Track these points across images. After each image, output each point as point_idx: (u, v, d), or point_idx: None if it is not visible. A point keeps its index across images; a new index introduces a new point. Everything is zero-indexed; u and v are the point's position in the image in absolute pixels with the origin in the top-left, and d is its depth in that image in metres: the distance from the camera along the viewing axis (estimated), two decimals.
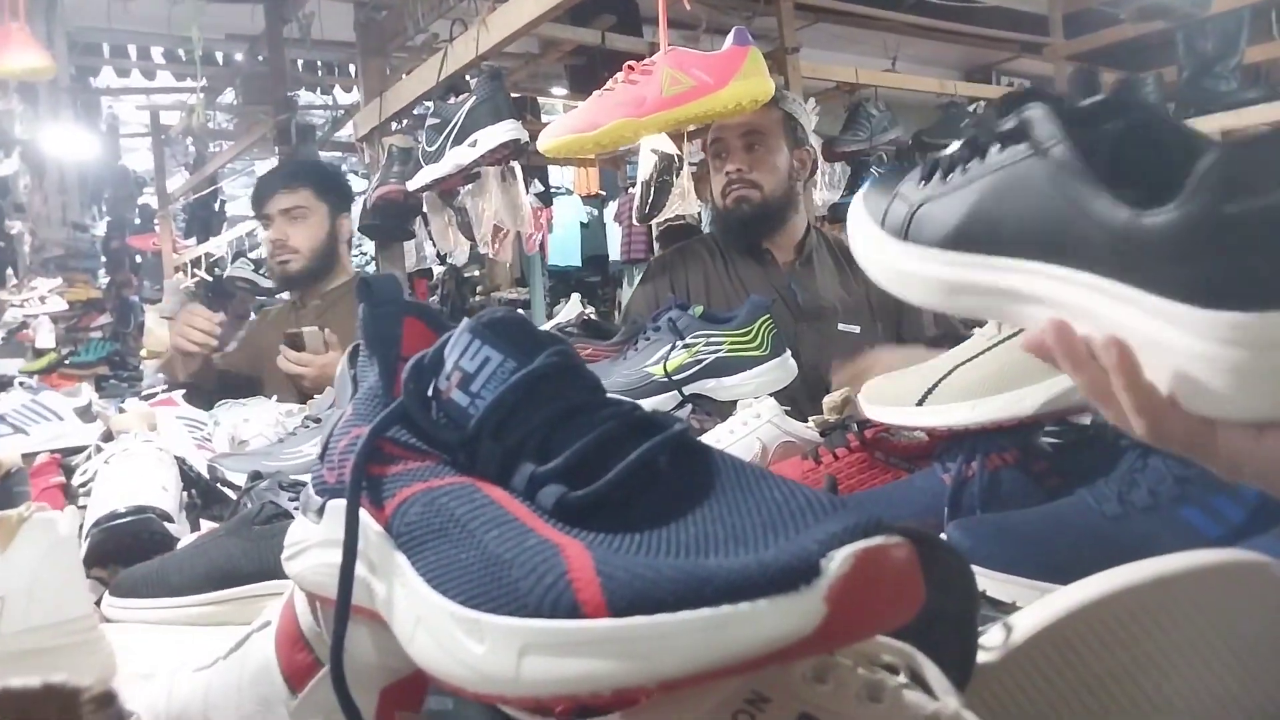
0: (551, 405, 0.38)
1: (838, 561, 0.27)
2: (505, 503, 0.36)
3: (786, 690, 0.35)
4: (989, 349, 0.89)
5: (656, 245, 4.93)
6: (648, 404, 1.30)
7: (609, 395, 0.40)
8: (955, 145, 0.56)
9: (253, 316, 5.24)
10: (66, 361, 4.82)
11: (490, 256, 2.55)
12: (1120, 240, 0.44)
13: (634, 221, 3.05)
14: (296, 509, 0.48)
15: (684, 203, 2.69)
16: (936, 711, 0.35)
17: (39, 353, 5.09)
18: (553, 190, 5.88)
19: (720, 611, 0.27)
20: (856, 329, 1.86)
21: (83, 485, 1.37)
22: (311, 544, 0.44)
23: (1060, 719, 0.53)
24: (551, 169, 5.62)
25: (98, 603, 0.92)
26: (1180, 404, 0.44)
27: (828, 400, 1.21)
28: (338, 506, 0.41)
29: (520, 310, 3.33)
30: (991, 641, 0.55)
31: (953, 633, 0.46)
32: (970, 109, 4.22)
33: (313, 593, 0.44)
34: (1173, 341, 0.42)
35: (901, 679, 0.37)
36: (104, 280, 6.01)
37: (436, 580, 0.34)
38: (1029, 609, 0.57)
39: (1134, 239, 0.43)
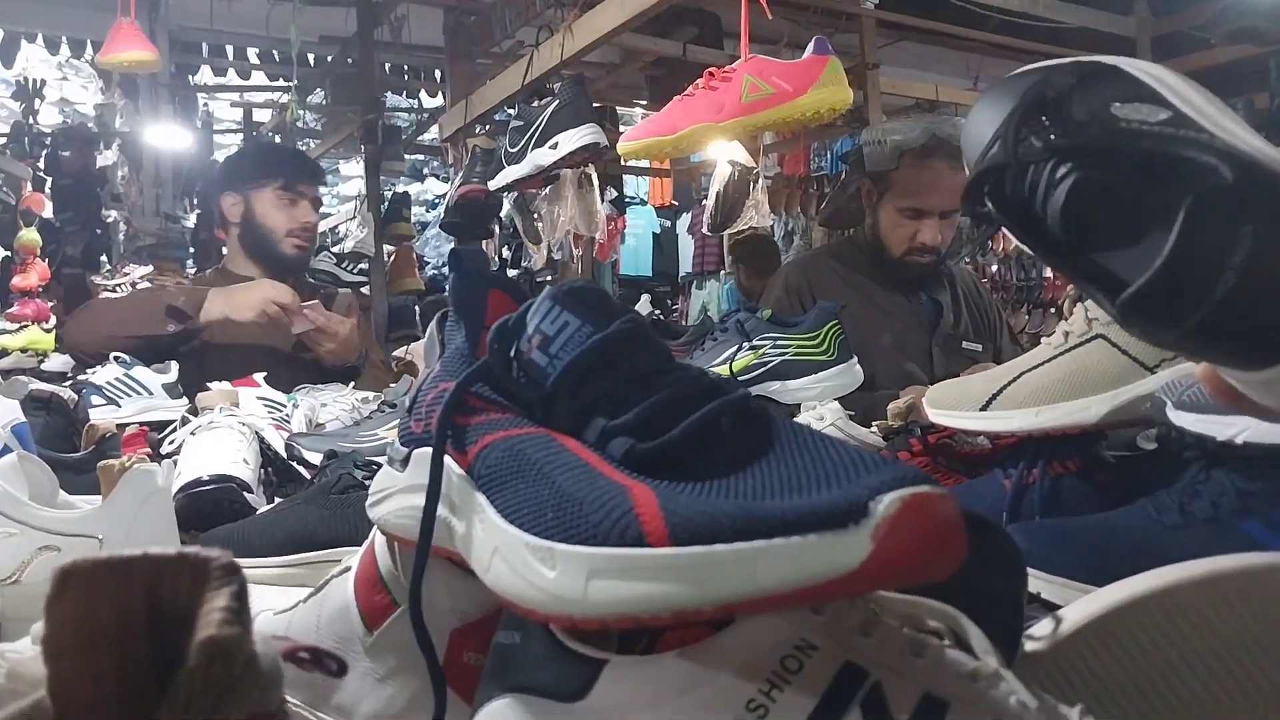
0: (624, 367, 0.41)
1: (885, 503, 0.29)
2: (578, 451, 0.39)
3: (834, 640, 0.37)
4: (1054, 357, 0.89)
5: (729, 258, 4.95)
6: None
7: (679, 362, 0.43)
8: None
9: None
10: None
11: (565, 261, 2.60)
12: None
13: (705, 232, 3.08)
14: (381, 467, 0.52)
15: (758, 215, 2.72)
16: (976, 670, 0.37)
17: None
18: (627, 200, 5.94)
19: (774, 543, 0.30)
20: (979, 347, 1.89)
21: (170, 455, 1.44)
22: (396, 490, 0.48)
23: (1106, 712, 0.54)
24: (627, 179, 5.68)
25: None
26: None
27: (893, 406, 1.22)
28: (423, 454, 0.45)
29: None
30: (1040, 632, 0.56)
31: (999, 610, 0.47)
32: None
33: (394, 535, 0.48)
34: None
35: (945, 641, 0.39)
36: (192, 270, 6.24)
37: (513, 515, 0.37)
38: (1079, 602, 0.58)
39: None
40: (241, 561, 0.80)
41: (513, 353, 0.45)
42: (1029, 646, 0.56)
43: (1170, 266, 0.39)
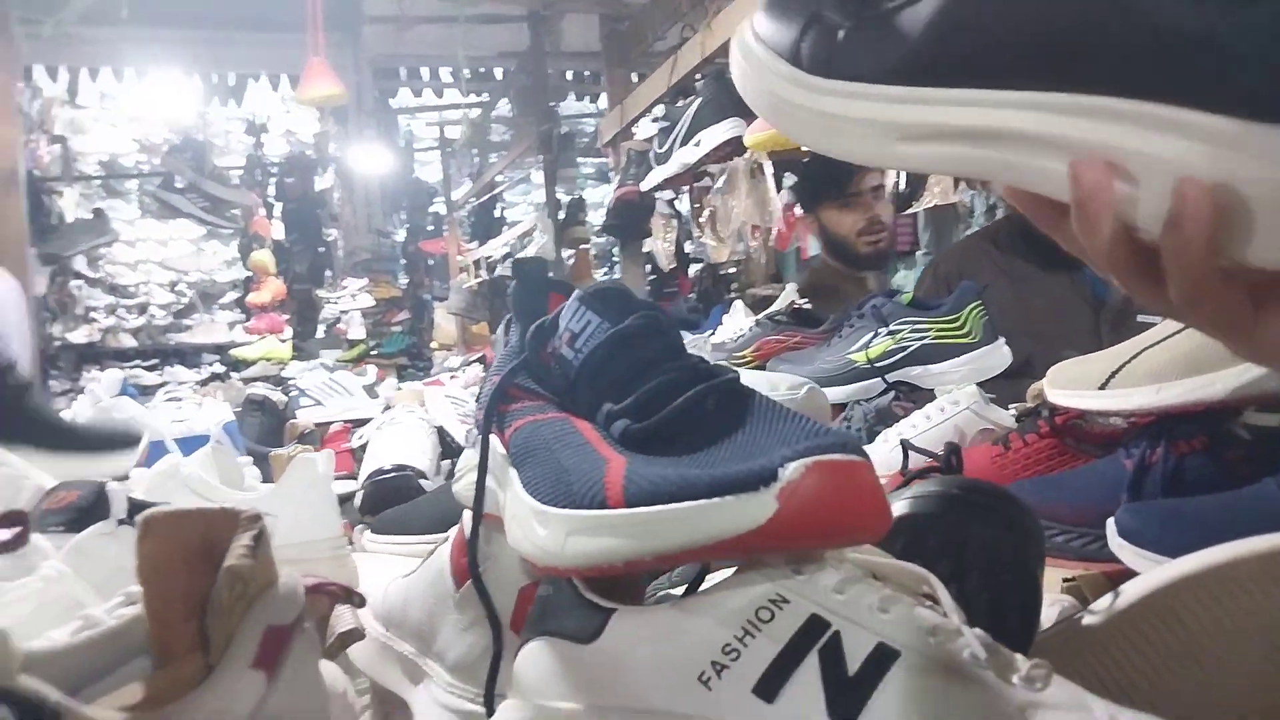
0: (631, 357, 0.47)
1: (790, 469, 0.34)
2: (585, 432, 0.45)
3: (805, 596, 0.41)
4: (1179, 331, 0.86)
5: (924, 235, 4.79)
6: (848, 390, 1.35)
7: (687, 351, 0.48)
8: None
9: None
10: (373, 352, 5.47)
11: (746, 253, 2.64)
12: (1189, 48, 0.34)
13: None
14: None
15: (942, 191, 2.65)
16: (936, 625, 0.40)
17: (351, 344, 5.80)
18: None
19: (698, 504, 0.35)
20: (1158, 318, 1.78)
21: (361, 448, 1.62)
22: (467, 468, 0.56)
23: (1165, 685, 0.54)
24: None
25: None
26: (1243, 258, 0.35)
27: (1032, 388, 1.20)
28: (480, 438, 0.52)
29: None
30: (1099, 606, 0.58)
31: (1015, 582, 0.50)
32: None
33: (467, 506, 0.56)
34: (1244, 172, 0.33)
35: (921, 601, 0.42)
36: (403, 281, 6.73)
37: (528, 486, 0.44)
38: (1141, 576, 0.58)
39: (1208, 46, 0.33)
40: (403, 538, 0.93)
41: (550, 349, 0.52)
42: (1087, 621, 0.58)
43: None
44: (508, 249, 4.47)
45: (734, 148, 1.87)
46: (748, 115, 1.78)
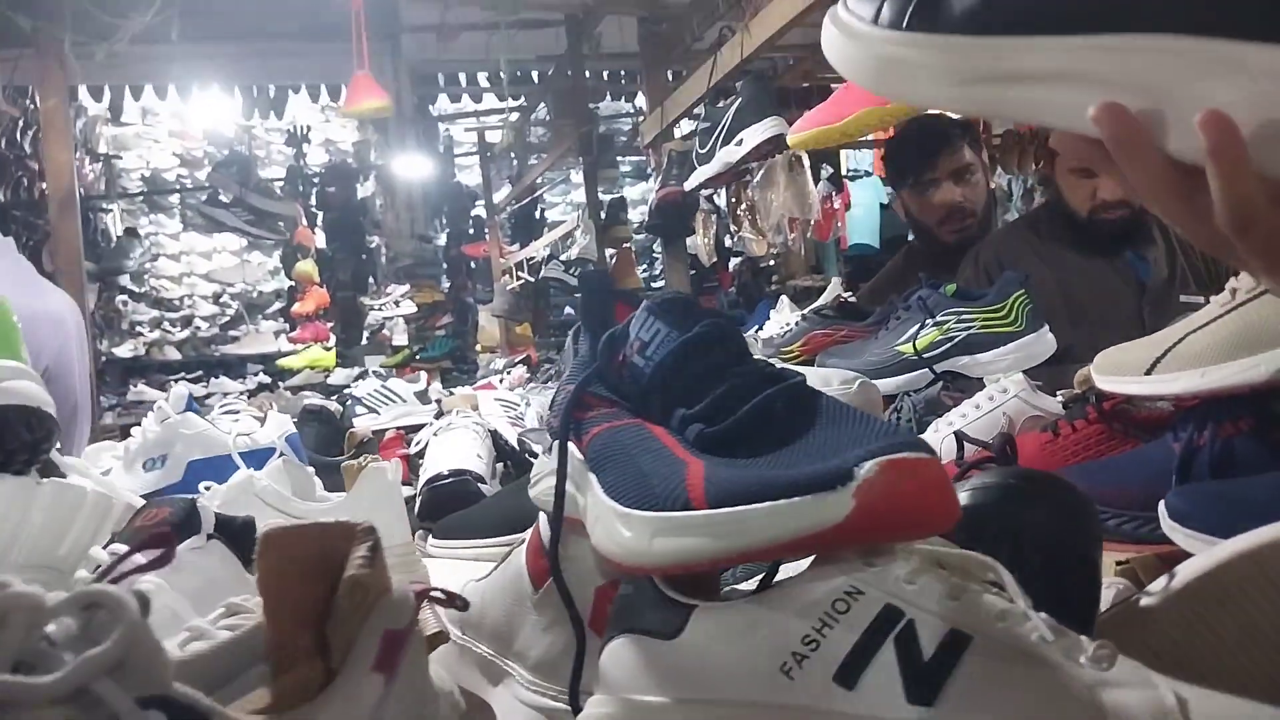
0: (700, 364, 0.49)
1: (866, 468, 0.36)
2: (661, 437, 0.48)
3: (879, 587, 0.44)
4: (1224, 314, 0.87)
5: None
6: (897, 382, 1.36)
7: (752, 356, 0.51)
8: None
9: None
10: (417, 357, 5.54)
11: (786, 246, 2.65)
12: None
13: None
14: None
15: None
16: (1005, 610, 0.42)
17: (395, 349, 5.88)
18: (850, 173, 5.85)
19: (779, 504, 0.37)
20: (1201, 299, 1.77)
21: (418, 454, 1.66)
22: (545, 473, 0.58)
23: (1223, 665, 0.56)
24: (848, 152, 5.60)
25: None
26: None
27: (1079, 374, 1.21)
28: (558, 444, 0.55)
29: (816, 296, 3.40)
30: (1155, 587, 0.59)
31: (1075, 567, 0.51)
32: None
33: (545, 510, 0.59)
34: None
35: (989, 588, 0.44)
36: (445, 285, 6.81)
37: (609, 489, 0.47)
38: (1195, 558, 0.60)
39: None
40: (468, 542, 0.96)
41: (621, 357, 0.54)
42: (1143, 602, 0.59)
43: None
44: (549, 250, 4.51)
45: (775, 145, 1.89)
46: (787, 113, 1.80)
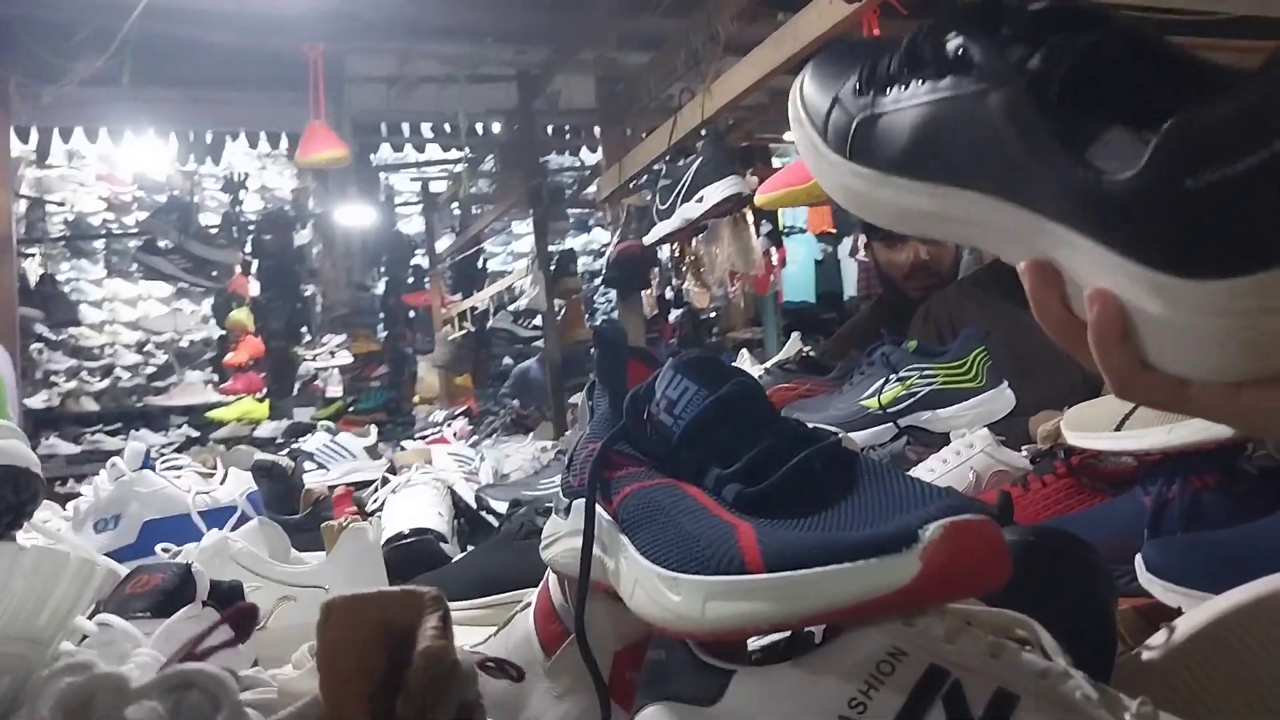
0: (733, 423, 0.50)
1: (930, 530, 0.37)
2: (698, 497, 0.48)
3: (922, 647, 0.44)
4: None
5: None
6: (862, 436, 1.38)
7: (781, 415, 0.51)
8: (894, 54, 0.49)
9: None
10: (351, 409, 5.43)
11: (726, 298, 2.69)
12: (1086, 197, 0.40)
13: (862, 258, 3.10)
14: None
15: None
16: (1047, 669, 0.43)
17: (328, 401, 5.76)
18: (785, 230, 5.97)
19: (843, 567, 0.38)
20: None
21: (374, 512, 1.62)
22: (561, 535, 0.58)
23: (1228, 711, 0.57)
24: (784, 209, 5.73)
25: None
26: (1156, 366, 0.41)
27: (1041, 429, 1.24)
28: (580, 504, 0.55)
29: (755, 348, 3.44)
30: (1155, 641, 0.60)
31: (1092, 621, 0.52)
32: None
33: (562, 573, 0.58)
34: (1147, 307, 0.39)
35: (1023, 646, 0.45)
36: (382, 334, 6.72)
37: (648, 552, 0.46)
38: (1193, 610, 0.61)
39: (1099, 199, 0.39)
40: None
41: (645, 415, 0.54)
42: (1144, 656, 0.60)
43: (1249, 98, 0.35)
44: (494, 300, 4.49)
45: (734, 203, 1.93)
46: (745, 172, 1.83)
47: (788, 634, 0.52)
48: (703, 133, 1.95)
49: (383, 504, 1.57)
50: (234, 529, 0.91)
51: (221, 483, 1.10)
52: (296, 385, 5.94)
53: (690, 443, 0.50)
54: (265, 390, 5.55)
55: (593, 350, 0.61)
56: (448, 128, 5.93)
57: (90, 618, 0.54)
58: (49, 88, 2.42)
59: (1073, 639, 0.51)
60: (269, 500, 1.67)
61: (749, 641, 0.55)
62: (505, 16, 2.77)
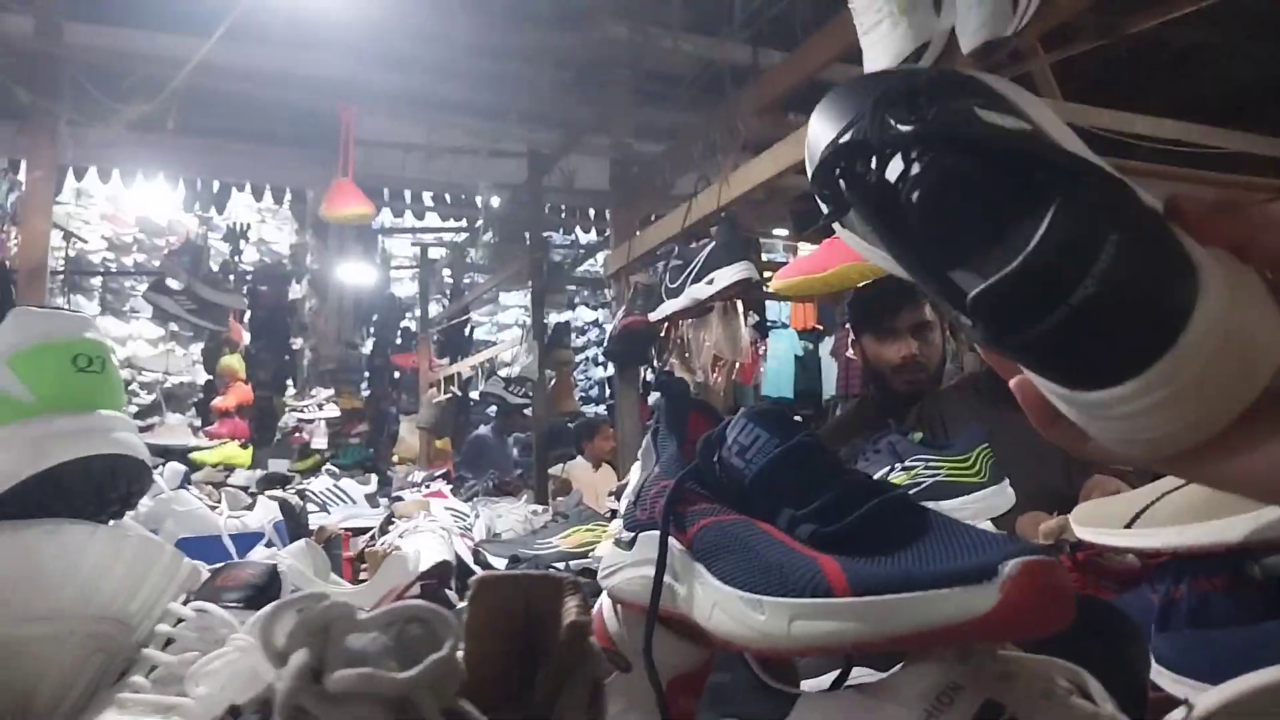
0: (804, 470, 0.54)
1: (1010, 565, 0.41)
2: (772, 532, 0.52)
3: (978, 683, 0.48)
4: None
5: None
6: None
7: (848, 466, 0.55)
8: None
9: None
10: (328, 464, 5.40)
11: (708, 385, 2.74)
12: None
13: (848, 355, 3.18)
14: None
15: None
16: (1096, 713, 0.47)
17: (304, 454, 5.73)
18: (769, 323, 6.09)
19: (928, 593, 0.42)
20: (1127, 466, 1.88)
21: (358, 557, 1.63)
22: (624, 565, 0.61)
23: None
24: (770, 303, 5.85)
25: None
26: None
27: (1044, 527, 1.28)
28: (649, 536, 0.58)
29: None
30: (1174, 717, 0.64)
31: (1124, 675, 0.56)
32: None
33: (626, 601, 0.61)
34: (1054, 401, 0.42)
35: (1072, 691, 0.49)
36: (365, 392, 6.73)
37: (728, 578, 0.50)
38: (1211, 690, 0.65)
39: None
40: None
41: (715, 458, 0.58)
42: None
43: (1033, 263, 0.38)
44: (486, 367, 4.54)
45: (743, 288, 1.99)
46: (755, 259, 1.90)
47: (835, 678, 0.55)
48: (722, 214, 2.03)
49: (393, 548, 1.59)
50: None
51: (250, 509, 1.12)
52: (277, 435, 5.91)
53: (763, 484, 0.54)
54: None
55: (660, 407, 0.66)
56: (448, 198, 6.07)
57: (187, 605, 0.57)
58: (96, 127, 2.49)
59: (1110, 694, 0.55)
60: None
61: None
62: (526, 98, 2.88)
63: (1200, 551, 0.93)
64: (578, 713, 0.36)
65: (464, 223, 6.36)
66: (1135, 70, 3.85)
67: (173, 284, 3.76)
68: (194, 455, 5.38)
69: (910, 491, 1.41)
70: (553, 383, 3.82)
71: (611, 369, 4.03)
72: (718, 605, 0.50)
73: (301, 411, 5.46)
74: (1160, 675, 0.82)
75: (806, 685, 0.59)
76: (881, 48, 1.14)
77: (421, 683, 0.28)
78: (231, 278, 6.01)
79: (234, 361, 5.19)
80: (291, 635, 0.29)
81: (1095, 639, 0.56)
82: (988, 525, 1.28)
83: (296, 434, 6.05)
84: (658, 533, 0.57)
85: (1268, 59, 3.86)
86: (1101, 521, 1.02)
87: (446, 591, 1.40)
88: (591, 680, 0.36)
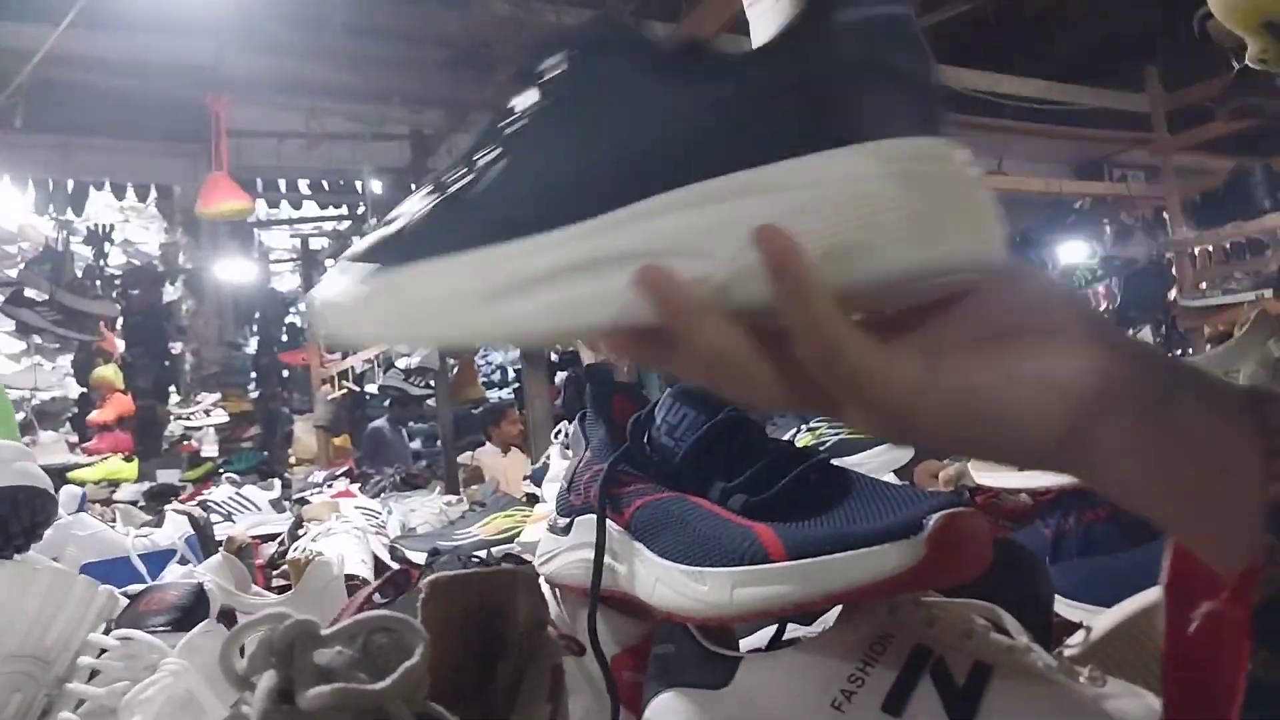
0: (732, 443, 0.56)
1: (934, 519, 0.44)
2: (707, 506, 0.54)
3: (906, 631, 0.51)
4: None
5: None
6: None
7: (772, 437, 0.58)
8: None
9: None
10: (221, 470, 5.22)
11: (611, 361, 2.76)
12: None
13: None
14: None
15: None
16: (1012, 645, 0.51)
17: (195, 462, 5.53)
18: None
19: (859, 552, 0.44)
20: None
21: (269, 564, 1.60)
22: (561, 550, 0.63)
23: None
24: None
25: None
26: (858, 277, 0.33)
27: (944, 474, 1.35)
28: (585, 520, 0.60)
29: None
30: (1074, 641, 0.70)
31: (1030, 606, 0.61)
32: (1076, 205, 4.34)
33: (565, 585, 0.63)
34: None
35: (989, 627, 0.53)
36: (254, 394, 6.51)
37: (668, 554, 0.52)
38: (1105, 613, 0.71)
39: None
40: None
41: (645, 439, 0.60)
42: (1067, 654, 0.69)
43: None
44: (382, 360, 4.45)
45: None
46: None
47: (771, 636, 0.58)
48: None
49: (315, 553, 1.56)
50: None
51: (158, 525, 1.09)
52: (164, 445, 5.68)
53: (694, 461, 0.56)
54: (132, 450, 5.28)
55: (588, 393, 0.67)
56: (325, 185, 5.90)
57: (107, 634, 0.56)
58: None
59: (1024, 626, 0.60)
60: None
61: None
62: (409, 79, 2.83)
63: (1084, 487, 1.00)
64: (540, 699, 0.37)
65: (344, 210, 6.19)
66: (1001, 32, 4.01)
67: (33, 294, 3.55)
68: (73, 474, 5.13)
69: (818, 450, 1.48)
70: (455, 371, 3.78)
71: (513, 353, 4.01)
72: (660, 580, 0.52)
73: (188, 419, 5.26)
74: (1058, 603, 0.89)
75: (744, 644, 0.62)
76: (769, 19, 1.16)
77: (395, 692, 0.29)
78: (99, 283, 5.73)
79: (109, 372, 4.96)
80: (253, 658, 0.29)
81: (1005, 577, 0.60)
82: (890, 477, 1.35)
83: (185, 442, 5.83)
84: (594, 516, 0.58)
85: (1121, 17, 4.08)
86: (996, 466, 1.09)
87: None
88: (551, 667, 0.38)
